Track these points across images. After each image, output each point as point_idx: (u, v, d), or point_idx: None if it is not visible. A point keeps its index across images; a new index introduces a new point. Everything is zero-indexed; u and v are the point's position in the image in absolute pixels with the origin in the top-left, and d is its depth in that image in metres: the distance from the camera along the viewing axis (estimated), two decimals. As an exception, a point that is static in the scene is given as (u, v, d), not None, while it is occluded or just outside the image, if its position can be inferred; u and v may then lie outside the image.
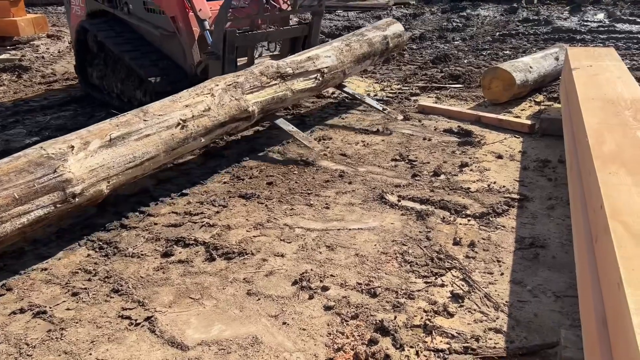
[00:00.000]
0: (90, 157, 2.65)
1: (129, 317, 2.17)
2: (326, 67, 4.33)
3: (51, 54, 8.21)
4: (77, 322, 2.15)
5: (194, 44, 4.50)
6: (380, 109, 4.59)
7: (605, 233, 1.72)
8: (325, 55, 4.38)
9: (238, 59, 4.50)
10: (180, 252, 2.67)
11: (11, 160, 2.46)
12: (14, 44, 8.95)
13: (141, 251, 2.69)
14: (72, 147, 2.61)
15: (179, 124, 3.12)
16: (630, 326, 1.25)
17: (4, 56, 8.01)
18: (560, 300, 2.22)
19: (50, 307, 2.24)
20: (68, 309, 2.24)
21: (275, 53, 5.15)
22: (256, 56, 4.85)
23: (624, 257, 1.51)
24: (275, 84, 3.89)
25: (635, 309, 1.30)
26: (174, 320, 2.15)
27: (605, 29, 8.71)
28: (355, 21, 10.74)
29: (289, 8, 4.71)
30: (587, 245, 2.03)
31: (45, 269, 2.55)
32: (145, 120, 2.98)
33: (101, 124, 2.88)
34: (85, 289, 2.37)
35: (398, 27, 5.40)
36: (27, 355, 1.98)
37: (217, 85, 3.52)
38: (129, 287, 2.37)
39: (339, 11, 12.34)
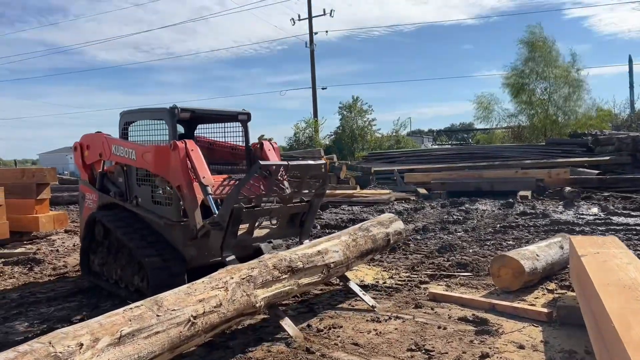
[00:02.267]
0: (96, 357, 2.47)
1: None
2: (333, 262, 4.41)
3: (66, 247, 8.45)
4: None
5: (196, 209, 4.74)
6: (371, 305, 4.57)
7: None
8: (334, 250, 4.48)
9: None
10: None
11: (17, 356, 2.24)
12: (31, 239, 9.28)
13: None
14: (81, 345, 2.44)
15: (189, 320, 3.01)
16: None
17: (19, 250, 8.24)
18: None
19: None
20: None
21: (274, 226, 5.34)
22: (256, 226, 5.01)
23: None
24: (285, 278, 3.89)
25: None
26: None
27: (602, 221, 9.03)
28: (360, 214, 11.25)
29: (294, 189, 4.99)
30: None
31: None
32: (159, 316, 2.87)
33: (115, 315, 2.77)
34: None
35: (399, 225, 5.67)
36: None
37: (232, 278, 3.50)
38: None
39: (344, 205, 13.03)
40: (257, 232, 5.08)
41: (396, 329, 4.04)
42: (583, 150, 17.18)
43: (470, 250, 7.00)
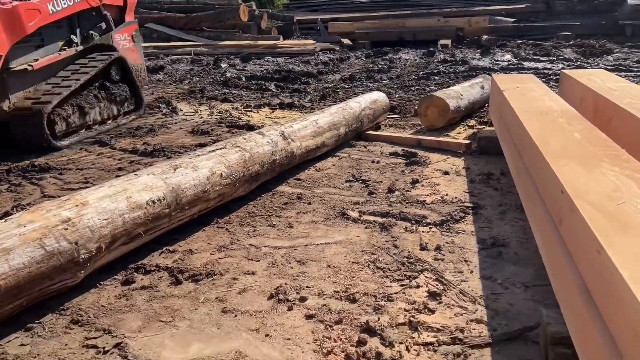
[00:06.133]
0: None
1: (95, 346, 1.98)
2: (319, 153, 4.35)
3: None
4: (34, 357, 1.93)
5: None
6: None
7: (572, 212, 1.84)
8: (327, 143, 4.37)
9: None
10: (142, 279, 2.51)
11: None
12: None
13: (97, 282, 2.49)
14: None
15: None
16: (622, 281, 1.33)
17: None
18: (530, 290, 2.32)
19: (1, 345, 2.00)
20: (22, 345, 2.01)
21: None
22: None
23: (597, 228, 1.62)
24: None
25: (621, 265, 1.39)
26: (146, 344, 1.99)
27: (515, 66, 9.58)
28: (285, 66, 11.01)
29: None
30: (552, 231, 2.15)
31: (-11, 307, 2.29)
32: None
33: None
34: (40, 322, 2.15)
35: (383, 118, 5.46)
36: (-22, 397, 1.74)
37: None
38: (89, 317, 2.18)
39: (267, 57, 12.63)
40: None
41: (334, 165, 4.28)
42: (502, -1, 17.35)
43: (397, 96, 7.25)
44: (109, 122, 5.72)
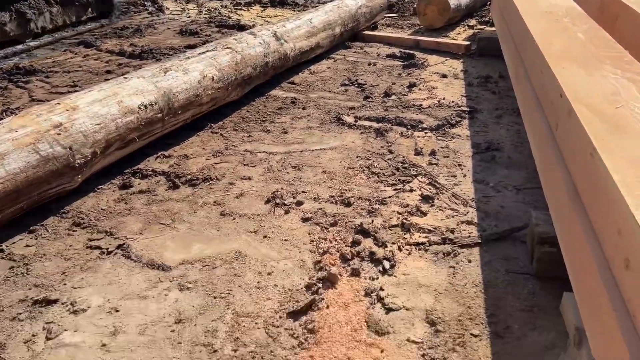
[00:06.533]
0: None
1: (98, 247, 2.05)
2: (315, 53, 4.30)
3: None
4: (41, 257, 2.00)
5: None
6: None
7: (570, 116, 1.82)
8: (321, 44, 4.30)
9: None
10: (139, 183, 2.53)
11: None
12: None
13: (96, 186, 2.51)
14: None
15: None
16: (613, 184, 1.35)
17: None
18: (522, 193, 2.37)
19: (7, 246, 2.06)
20: (27, 246, 2.07)
21: None
22: None
23: (592, 132, 1.62)
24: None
25: (613, 169, 1.40)
26: (148, 245, 2.06)
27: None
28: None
29: None
30: (547, 135, 2.15)
31: (-10, 211, 2.33)
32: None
33: None
34: (43, 225, 2.20)
35: (380, 18, 5.30)
36: (-9, 294, 1.82)
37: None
38: (91, 220, 2.23)
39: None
40: None
41: (328, 67, 4.17)
42: None
43: (395, -7, 6.88)
44: (68, 29, 5.31)
